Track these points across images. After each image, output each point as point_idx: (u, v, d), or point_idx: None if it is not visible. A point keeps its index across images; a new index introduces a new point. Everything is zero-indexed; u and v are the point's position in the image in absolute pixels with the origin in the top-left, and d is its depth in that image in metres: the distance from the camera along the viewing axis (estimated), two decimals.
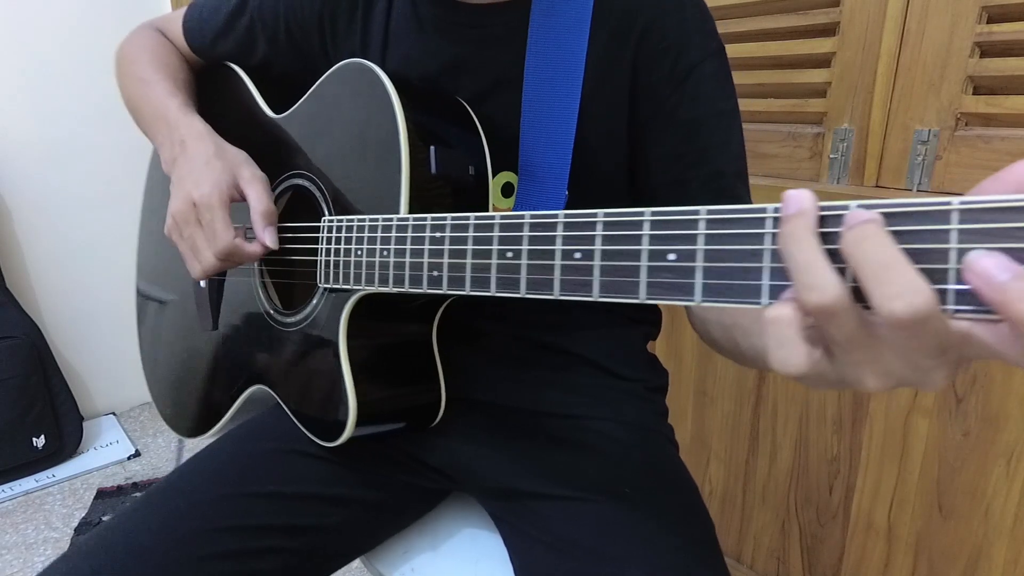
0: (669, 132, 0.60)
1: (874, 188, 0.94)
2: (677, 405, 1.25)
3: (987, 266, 0.26)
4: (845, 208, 0.30)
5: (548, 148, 0.59)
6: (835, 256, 0.30)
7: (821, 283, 0.29)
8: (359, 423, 0.58)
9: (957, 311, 0.27)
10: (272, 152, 0.69)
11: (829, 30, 0.96)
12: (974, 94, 0.84)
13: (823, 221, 0.30)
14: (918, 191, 0.89)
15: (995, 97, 0.82)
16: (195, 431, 0.79)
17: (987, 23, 0.81)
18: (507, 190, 0.62)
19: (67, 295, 1.89)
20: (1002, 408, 0.85)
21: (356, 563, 0.70)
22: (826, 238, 0.30)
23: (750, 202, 0.59)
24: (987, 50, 0.82)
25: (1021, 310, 0.24)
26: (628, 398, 0.69)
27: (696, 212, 0.35)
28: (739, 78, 1.09)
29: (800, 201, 0.30)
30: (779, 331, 0.31)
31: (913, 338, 0.28)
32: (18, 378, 1.65)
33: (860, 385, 0.31)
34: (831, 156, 0.98)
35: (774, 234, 0.32)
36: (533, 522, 0.62)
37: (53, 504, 1.60)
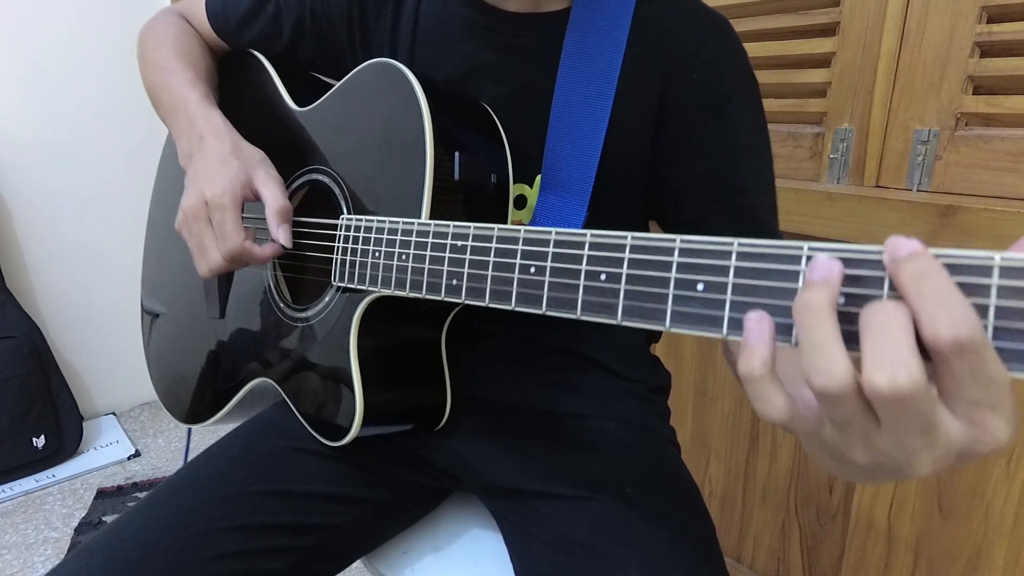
0: (700, 161, 0.59)
1: (874, 188, 0.94)
2: (677, 405, 1.25)
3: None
4: (876, 262, 0.29)
5: (573, 164, 0.59)
6: (849, 330, 0.29)
7: (830, 368, 0.28)
8: (365, 424, 0.58)
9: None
10: (292, 145, 0.68)
11: (829, 30, 0.96)
12: (974, 94, 0.84)
13: (848, 273, 0.29)
14: (918, 191, 0.89)
15: (995, 97, 0.82)
16: (195, 417, 0.78)
17: (987, 23, 0.81)
18: (519, 202, 0.61)
19: (67, 295, 1.88)
20: None
21: (356, 563, 0.70)
22: (849, 299, 0.29)
23: (780, 235, 0.59)
24: (987, 50, 0.82)
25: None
26: (630, 398, 0.69)
27: (728, 244, 0.34)
28: None
29: (827, 270, 0.29)
30: (752, 388, 0.31)
31: (901, 413, 0.27)
32: (18, 378, 1.65)
33: (849, 452, 0.31)
34: (831, 156, 0.98)
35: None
36: (534, 520, 0.62)
37: (53, 504, 1.60)
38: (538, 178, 0.61)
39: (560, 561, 0.57)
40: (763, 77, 1.03)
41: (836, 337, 0.28)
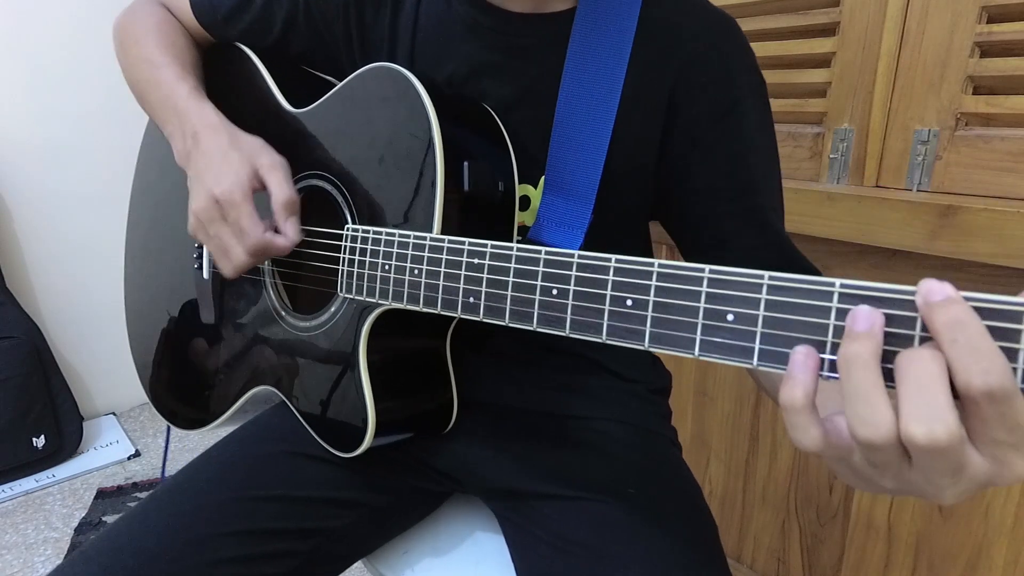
0: (711, 163, 0.59)
1: (874, 188, 0.94)
2: (677, 405, 1.25)
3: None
4: (909, 302, 0.30)
5: (577, 166, 0.58)
6: (884, 367, 0.30)
7: (874, 419, 0.29)
8: (377, 435, 0.57)
9: None
10: (289, 147, 0.66)
11: (829, 30, 0.96)
12: (974, 94, 0.84)
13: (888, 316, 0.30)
14: (918, 191, 0.89)
15: (995, 97, 0.82)
16: (193, 424, 0.77)
17: (987, 23, 0.81)
18: (522, 203, 0.61)
19: (67, 295, 1.88)
20: None
21: (356, 563, 0.70)
22: (889, 339, 0.30)
23: (786, 235, 0.60)
24: (987, 50, 0.82)
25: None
26: (631, 399, 0.69)
27: (759, 276, 0.34)
28: None
29: (870, 323, 0.30)
30: (791, 417, 0.31)
31: (935, 460, 0.29)
32: (18, 378, 1.65)
33: (879, 480, 0.32)
34: (831, 156, 0.98)
35: (839, 309, 0.32)
36: (536, 521, 0.62)
37: (53, 504, 1.60)
38: (542, 179, 0.60)
39: (561, 562, 0.57)
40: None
41: (881, 389, 0.29)
